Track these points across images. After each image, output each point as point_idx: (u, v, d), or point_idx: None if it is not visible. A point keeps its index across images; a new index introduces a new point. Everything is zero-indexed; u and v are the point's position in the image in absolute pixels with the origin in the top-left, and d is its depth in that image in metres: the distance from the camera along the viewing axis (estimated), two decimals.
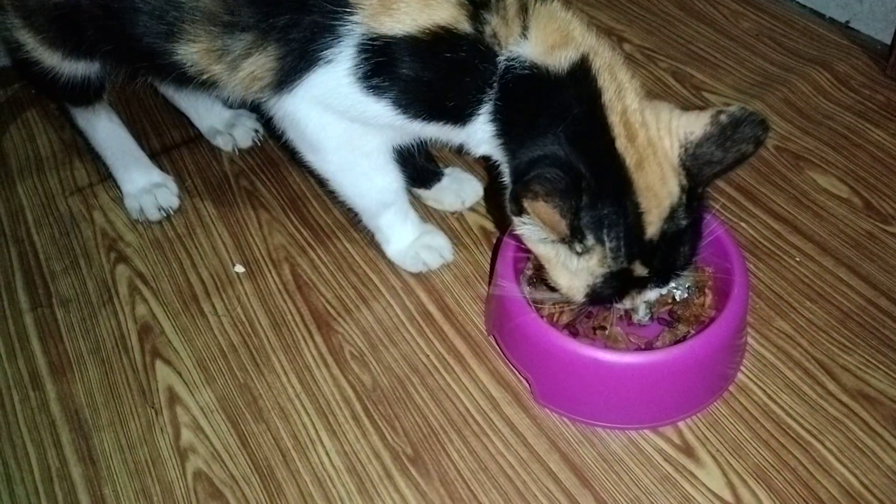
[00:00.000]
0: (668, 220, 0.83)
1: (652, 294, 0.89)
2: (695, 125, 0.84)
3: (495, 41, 0.86)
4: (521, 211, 0.82)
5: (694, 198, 0.84)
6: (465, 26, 0.85)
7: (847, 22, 1.48)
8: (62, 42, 1.05)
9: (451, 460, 0.92)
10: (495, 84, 0.88)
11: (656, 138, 0.84)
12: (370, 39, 0.86)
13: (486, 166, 1.22)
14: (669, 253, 0.85)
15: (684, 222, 0.84)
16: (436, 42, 0.85)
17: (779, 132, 1.28)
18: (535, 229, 0.85)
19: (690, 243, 0.87)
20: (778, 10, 1.53)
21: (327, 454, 0.93)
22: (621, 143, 0.83)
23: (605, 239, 0.83)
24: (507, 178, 0.92)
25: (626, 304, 0.89)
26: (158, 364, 1.04)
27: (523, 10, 0.87)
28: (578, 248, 0.84)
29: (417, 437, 0.94)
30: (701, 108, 1.24)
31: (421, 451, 0.93)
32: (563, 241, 0.84)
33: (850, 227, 1.14)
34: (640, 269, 0.85)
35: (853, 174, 1.21)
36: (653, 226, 0.83)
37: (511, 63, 0.86)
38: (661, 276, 0.87)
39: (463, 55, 0.86)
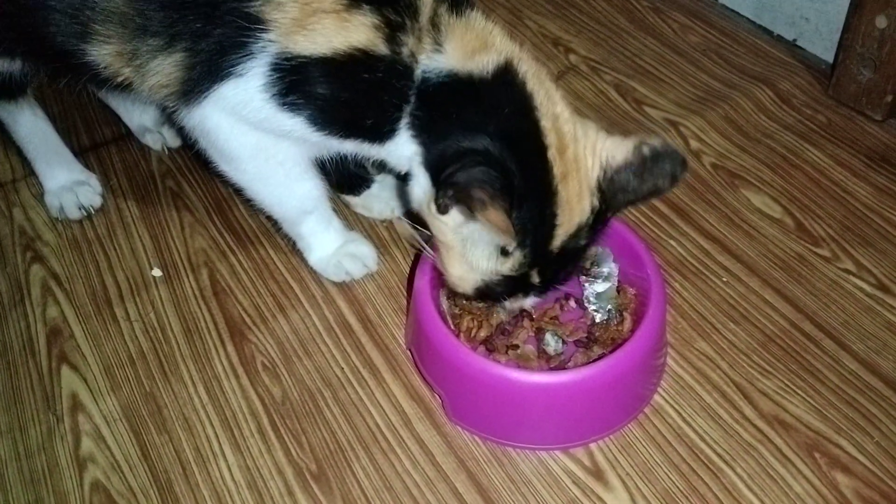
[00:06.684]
0: (573, 237, 0.84)
1: (529, 301, 0.91)
2: (617, 151, 0.85)
3: (412, 59, 0.85)
4: (447, 208, 0.80)
5: (600, 221, 0.85)
6: (381, 48, 0.84)
7: (794, 40, 1.47)
8: None
9: (355, 478, 0.89)
10: (412, 98, 0.86)
11: (582, 155, 0.85)
12: (284, 59, 0.84)
13: None
14: (561, 267, 0.87)
15: (583, 242, 0.85)
16: (352, 63, 0.84)
17: (717, 149, 1.27)
18: (477, 230, 0.83)
19: (575, 263, 0.89)
20: (727, 26, 1.52)
21: (229, 468, 0.90)
22: (552, 153, 0.82)
23: (525, 244, 0.83)
24: (419, 178, 0.88)
25: (508, 305, 0.90)
26: (64, 369, 1.01)
27: (435, 26, 0.85)
28: (511, 248, 0.83)
29: (323, 453, 0.91)
30: (639, 123, 1.23)
31: (325, 468, 0.90)
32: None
33: (780, 249, 1.12)
34: (535, 277, 0.86)
35: (788, 194, 1.20)
36: (559, 239, 0.84)
37: (427, 75, 0.85)
38: (544, 287, 0.88)
39: (380, 76, 0.85)
